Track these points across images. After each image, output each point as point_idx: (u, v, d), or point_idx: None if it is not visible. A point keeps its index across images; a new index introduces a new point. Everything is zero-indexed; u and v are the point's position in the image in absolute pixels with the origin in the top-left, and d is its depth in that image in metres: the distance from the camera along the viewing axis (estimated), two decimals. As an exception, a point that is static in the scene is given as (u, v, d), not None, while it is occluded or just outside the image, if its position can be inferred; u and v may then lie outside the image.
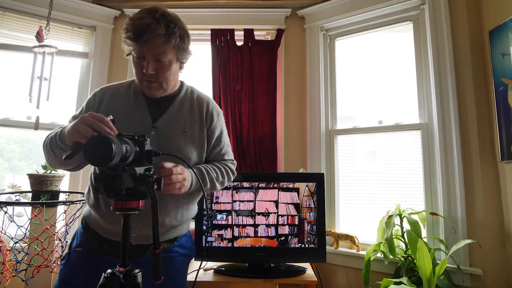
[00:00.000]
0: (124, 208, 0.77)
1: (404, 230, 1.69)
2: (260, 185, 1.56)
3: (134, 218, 0.95)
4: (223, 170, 1.15)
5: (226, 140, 1.22)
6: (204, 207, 1.52)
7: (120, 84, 1.16)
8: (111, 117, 0.83)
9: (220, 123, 1.20)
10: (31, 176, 1.77)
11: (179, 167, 0.95)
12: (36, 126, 2.00)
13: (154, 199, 0.78)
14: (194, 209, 1.20)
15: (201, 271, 1.51)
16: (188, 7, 2.38)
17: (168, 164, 0.93)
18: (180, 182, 0.94)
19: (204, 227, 1.52)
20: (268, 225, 1.54)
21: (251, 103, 2.20)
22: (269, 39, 2.37)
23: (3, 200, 1.85)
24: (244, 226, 1.54)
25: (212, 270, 1.52)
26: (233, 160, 1.23)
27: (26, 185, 1.98)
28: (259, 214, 1.55)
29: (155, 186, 0.79)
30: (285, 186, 1.56)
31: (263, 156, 2.16)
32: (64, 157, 0.84)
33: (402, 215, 1.72)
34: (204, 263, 1.55)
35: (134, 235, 1.01)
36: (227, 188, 1.55)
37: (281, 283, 1.45)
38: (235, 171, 1.23)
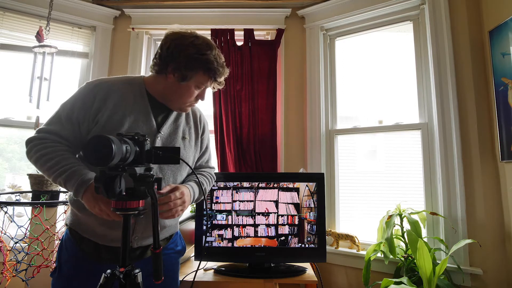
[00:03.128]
0: (124, 208, 0.77)
1: (404, 230, 1.69)
2: (260, 185, 1.56)
3: (138, 222, 0.96)
4: (209, 178, 1.23)
5: (210, 148, 1.32)
6: (204, 207, 1.52)
7: (122, 84, 1.07)
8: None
9: (208, 132, 1.30)
10: (31, 176, 1.77)
11: (178, 191, 0.97)
12: (36, 126, 2.00)
13: (154, 199, 0.78)
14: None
15: (201, 271, 1.51)
16: (188, 7, 2.38)
17: (166, 188, 0.96)
18: (180, 206, 0.97)
19: (204, 227, 1.52)
20: (268, 225, 1.54)
21: (251, 103, 2.20)
22: (269, 39, 2.37)
23: (3, 200, 1.86)
24: (244, 226, 1.54)
25: (212, 270, 1.52)
26: (214, 167, 1.33)
27: (26, 185, 1.98)
28: (259, 214, 1.55)
29: (155, 186, 0.79)
30: (285, 186, 1.56)
31: (263, 156, 2.16)
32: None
33: (402, 215, 1.71)
34: (204, 263, 1.55)
35: (136, 238, 1.01)
36: (227, 188, 1.55)
37: (281, 283, 1.45)
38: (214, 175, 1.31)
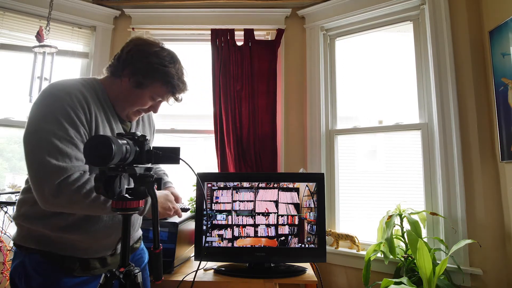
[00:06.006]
0: (124, 208, 0.77)
1: (404, 230, 1.69)
2: (260, 185, 1.56)
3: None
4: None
5: None
6: (204, 207, 1.52)
7: (87, 90, 0.96)
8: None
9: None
10: (31, 176, 1.77)
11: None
12: (36, 126, 2.00)
13: (155, 199, 0.78)
14: None
15: (201, 271, 1.51)
16: (188, 7, 2.38)
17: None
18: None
19: (204, 227, 1.52)
20: (268, 225, 1.54)
21: (251, 103, 2.20)
22: (269, 39, 2.37)
23: (3, 200, 1.86)
24: (244, 226, 1.54)
25: (212, 270, 1.52)
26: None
27: (26, 185, 1.98)
28: (259, 214, 1.55)
29: (155, 186, 0.79)
30: (285, 186, 1.56)
31: (263, 156, 2.16)
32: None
33: (402, 215, 1.71)
34: (204, 263, 1.55)
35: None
36: (227, 188, 1.55)
37: (281, 283, 1.45)
38: None
